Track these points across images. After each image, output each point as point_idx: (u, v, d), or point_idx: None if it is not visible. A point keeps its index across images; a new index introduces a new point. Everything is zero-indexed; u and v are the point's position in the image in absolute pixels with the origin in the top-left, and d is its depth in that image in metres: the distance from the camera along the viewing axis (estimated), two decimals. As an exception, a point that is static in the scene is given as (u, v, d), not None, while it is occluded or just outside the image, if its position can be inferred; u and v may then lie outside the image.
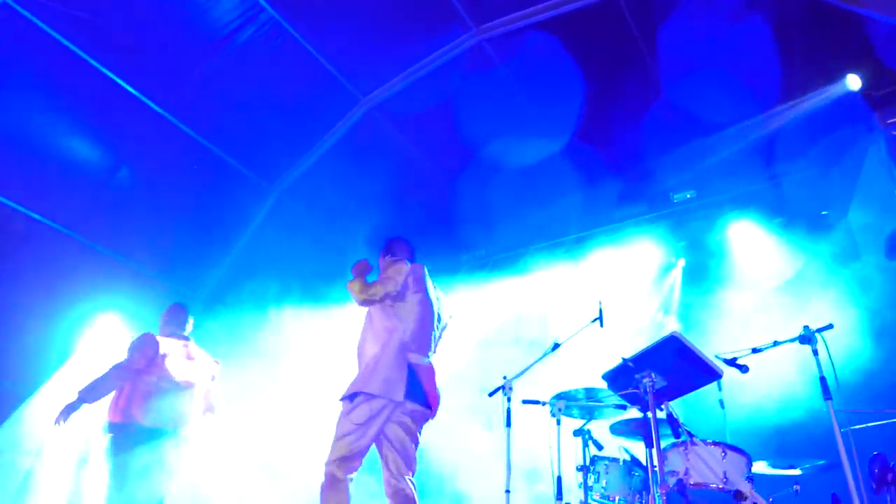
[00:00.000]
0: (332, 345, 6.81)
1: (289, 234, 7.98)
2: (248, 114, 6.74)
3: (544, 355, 4.44)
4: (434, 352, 3.98)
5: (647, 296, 7.29)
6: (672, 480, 3.62)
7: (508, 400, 4.22)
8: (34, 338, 6.31)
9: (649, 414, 4.06)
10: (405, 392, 3.57)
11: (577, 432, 4.23)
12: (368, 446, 3.59)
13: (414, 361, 3.71)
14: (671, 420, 3.70)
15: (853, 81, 5.86)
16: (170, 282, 7.54)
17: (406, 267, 3.93)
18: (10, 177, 6.00)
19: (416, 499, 3.55)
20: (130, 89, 6.01)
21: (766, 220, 6.83)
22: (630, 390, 3.97)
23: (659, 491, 3.47)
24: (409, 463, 3.65)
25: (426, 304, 3.93)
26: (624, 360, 3.91)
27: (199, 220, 7.44)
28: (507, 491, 3.93)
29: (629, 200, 7.72)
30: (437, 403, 3.82)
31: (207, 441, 5.02)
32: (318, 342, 7.28)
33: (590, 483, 4.45)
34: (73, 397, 4.30)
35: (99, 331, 6.65)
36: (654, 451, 3.61)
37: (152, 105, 6.23)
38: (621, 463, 4.45)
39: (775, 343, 3.88)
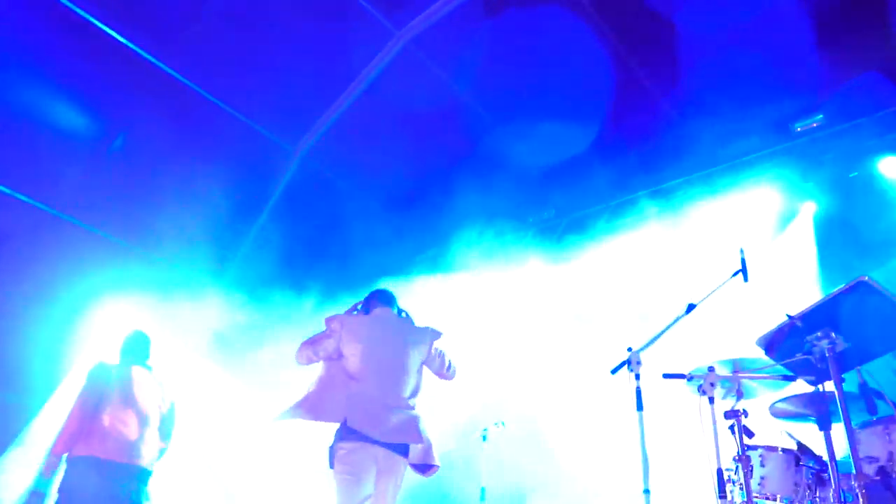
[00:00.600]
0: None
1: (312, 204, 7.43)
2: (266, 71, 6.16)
3: (677, 320, 3.60)
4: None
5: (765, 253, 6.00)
6: (871, 469, 2.72)
7: (637, 377, 3.41)
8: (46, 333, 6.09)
9: (823, 386, 3.22)
10: None
11: (728, 414, 3.35)
12: None
13: None
14: (867, 391, 2.79)
15: None
16: (187, 268, 7.20)
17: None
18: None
19: None
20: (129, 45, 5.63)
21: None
22: (798, 357, 3.09)
23: (856, 483, 2.59)
24: None
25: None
26: (790, 317, 3.04)
27: (220, 194, 6.93)
28: (646, 491, 3.15)
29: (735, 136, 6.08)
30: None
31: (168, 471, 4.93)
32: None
33: (739, 479, 3.62)
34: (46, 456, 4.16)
35: (117, 321, 6.37)
36: (844, 431, 2.72)
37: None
38: (780, 452, 3.57)
39: None
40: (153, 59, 5.83)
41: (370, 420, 3.41)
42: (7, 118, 5.71)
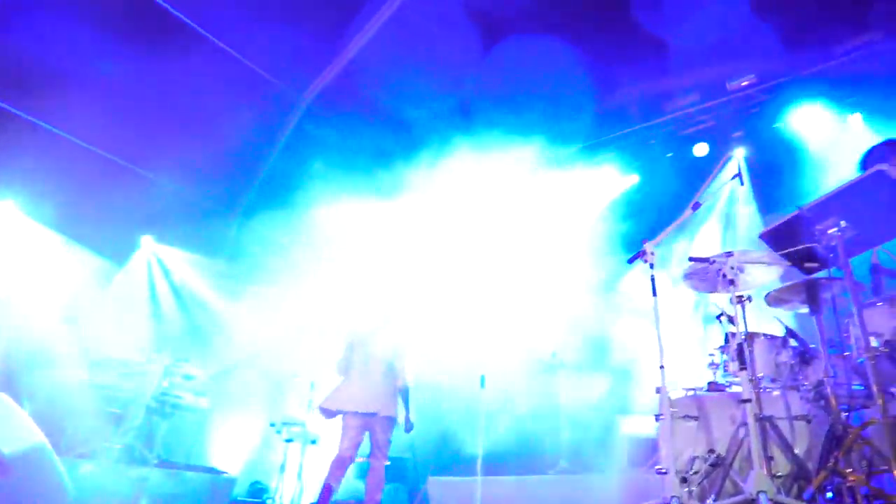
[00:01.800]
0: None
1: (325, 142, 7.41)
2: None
3: (686, 217, 3.78)
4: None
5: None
6: (876, 342, 3.02)
7: (651, 266, 3.59)
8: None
9: (824, 273, 3.49)
10: None
11: (733, 300, 3.58)
12: None
13: None
14: (878, 271, 3.05)
15: None
16: (203, 198, 7.13)
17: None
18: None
19: None
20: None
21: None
22: (803, 245, 3.33)
23: (865, 355, 2.88)
24: None
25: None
26: (799, 207, 3.25)
27: (229, 134, 6.96)
28: (662, 367, 3.38)
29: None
30: None
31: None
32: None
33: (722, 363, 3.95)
34: None
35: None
36: (855, 312, 2.99)
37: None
38: (762, 336, 3.88)
39: None
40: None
41: None
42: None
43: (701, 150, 7.19)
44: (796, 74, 6.65)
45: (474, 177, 7.38)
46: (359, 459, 5.19)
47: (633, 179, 7.88)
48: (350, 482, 6.10)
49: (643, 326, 5.82)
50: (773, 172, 6.61)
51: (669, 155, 7.49)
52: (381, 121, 7.45)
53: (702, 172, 6.88)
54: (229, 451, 7.61)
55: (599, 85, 7.14)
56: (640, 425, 5.79)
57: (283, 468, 6.08)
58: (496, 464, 5.67)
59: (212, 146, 7.03)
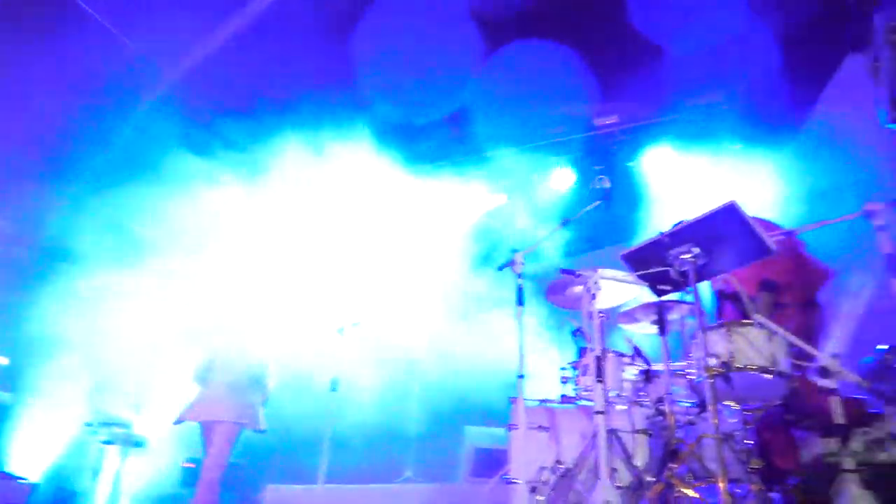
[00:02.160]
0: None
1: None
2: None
3: (554, 231, 3.88)
4: None
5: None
6: (714, 362, 3.24)
7: (519, 276, 3.62)
8: None
9: (668, 297, 3.72)
10: None
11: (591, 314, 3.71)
12: None
13: None
14: (721, 297, 3.29)
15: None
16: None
17: None
18: None
19: None
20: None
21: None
22: (659, 268, 3.52)
23: (704, 375, 3.07)
24: None
25: None
26: (662, 234, 3.43)
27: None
28: (521, 376, 3.39)
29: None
30: None
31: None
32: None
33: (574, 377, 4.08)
34: None
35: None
36: (699, 333, 3.20)
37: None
38: (612, 354, 4.06)
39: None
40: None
41: None
42: None
43: (564, 176, 7.55)
44: (651, 121, 7.29)
45: (334, 176, 7.23)
46: (189, 465, 4.74)
47: (501, 199, 8.08)
48: (176, 489, 5.57)
49: (497, 336, 5.97)
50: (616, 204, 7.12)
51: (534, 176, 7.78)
52: (241, 111, 7.08)
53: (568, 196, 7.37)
54: (33, 452, 6.66)
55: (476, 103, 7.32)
56: (486, 436, 5.87)
57: (96, 473, 5.41)
58: (340, 472, 5.45)
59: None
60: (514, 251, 3.67)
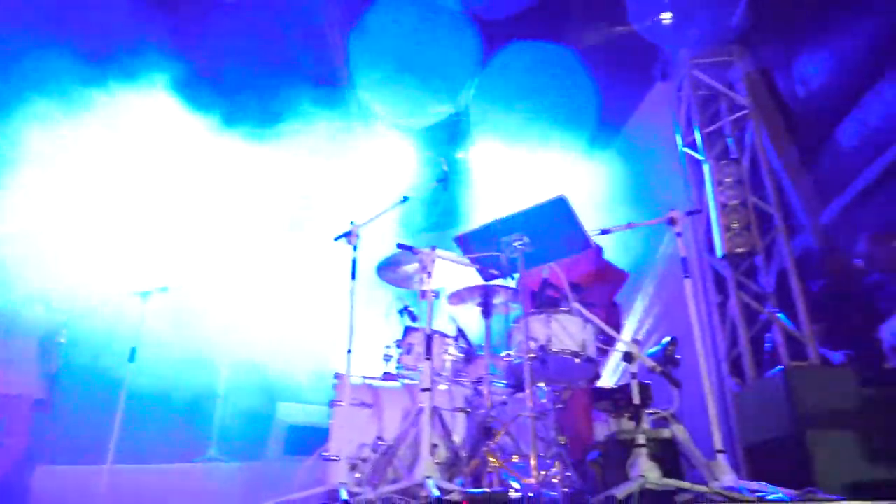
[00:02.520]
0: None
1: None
2: None
3: (393, 206, 3.82)
4: None
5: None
6: (533, 346, 3.42)
7: (355, 249, 3.52)
8: None
9: (491, 281, 3.86)
10: None
11: (423, 294, 3.72)
12: None
13: None
14: (545, 286, 3.47)
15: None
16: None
17: None
18: None
19: None
20: None
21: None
22: (489, 253, 3.63)
23: (524, 357, 3.24)
24: None
25: None
26: (495, 220, 3.54)
27: None
28: (349, 351, 3.30)
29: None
30: None
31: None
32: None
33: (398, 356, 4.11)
34: None
35: None
36: (522, 318, 3.36)
37: None
38: (437, 336, 4.14)
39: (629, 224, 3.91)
40: None
41: None
42: None
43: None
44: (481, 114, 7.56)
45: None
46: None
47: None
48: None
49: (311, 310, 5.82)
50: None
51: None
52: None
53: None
54: None
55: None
56: (300, 413, 5.70)
57: None
58: (133, 451, 4.93)
59: None
60: (353, 223, 3.56)
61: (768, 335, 5.63)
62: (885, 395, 3.75)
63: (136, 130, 6.52)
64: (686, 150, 6.48)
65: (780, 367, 4.29)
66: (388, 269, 4.09)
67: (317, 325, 5.72)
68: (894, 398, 3.72)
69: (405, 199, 3.89)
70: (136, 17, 6.01)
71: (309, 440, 4.97)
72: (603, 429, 3.98)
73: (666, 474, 2.78)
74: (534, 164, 7.29)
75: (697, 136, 6.34)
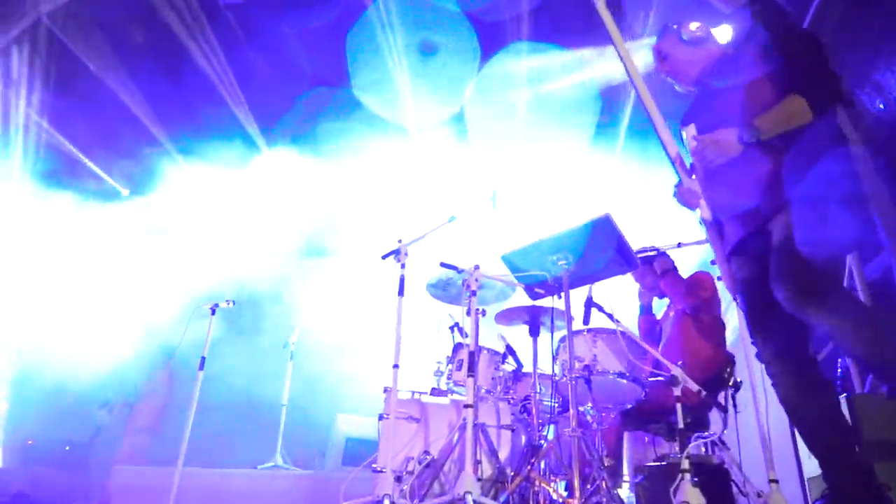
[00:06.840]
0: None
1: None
2: None
3: (440, 226, 3.93)
4: None
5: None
6: (578, 366, 3.43)
7: (402, 266, 3.64)
8: None
9: (539, 302, 3.88)
10: None
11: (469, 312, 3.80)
12: None
13: None
14: (590, 305, 3.47)
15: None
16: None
17: None
18: None
19: None
20: None
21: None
22: (535, 272, 3.66)
23: (569, 376, 3.25)
24: None
25: None
26: (541, 240, 3.58)
27: None
28: (396, 366, 3.41)
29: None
30: None
31: None
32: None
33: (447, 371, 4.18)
34: None
35: None
36: (567, 337, 3.38)
37: None
38: (486, 352, 4.20)
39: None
40: None
41: None
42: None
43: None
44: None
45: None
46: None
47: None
48: None
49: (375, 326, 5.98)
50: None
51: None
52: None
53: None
54: None
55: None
56: (358, 425, 5.85)
57: None
58: (201, 455, 5.21)
59: None
60: (400, 241, 3.69)
61: (840, 360, 5.35)
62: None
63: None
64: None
65: (846, 394, 4.09)
66: (438, 284, 4.19)
67: (378, 339, 5.89)
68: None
69: (452, 218, 3.98)
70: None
71: (365, 452, 5.11)
72: (650, 451, 3.92)
73: (711, 502, 2.73)
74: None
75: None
